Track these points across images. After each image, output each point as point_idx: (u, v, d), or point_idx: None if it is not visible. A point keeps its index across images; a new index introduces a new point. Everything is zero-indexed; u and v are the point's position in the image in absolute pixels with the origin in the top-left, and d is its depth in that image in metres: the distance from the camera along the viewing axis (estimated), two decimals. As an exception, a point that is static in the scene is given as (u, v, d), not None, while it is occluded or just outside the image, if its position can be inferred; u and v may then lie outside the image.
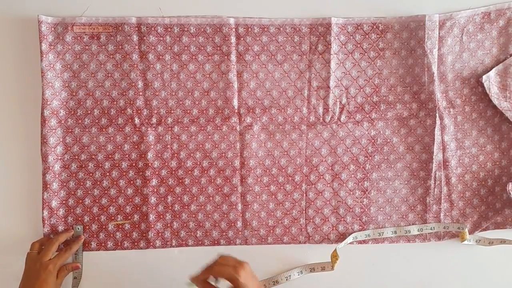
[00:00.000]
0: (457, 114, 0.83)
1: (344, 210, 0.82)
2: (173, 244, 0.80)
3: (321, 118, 0.82)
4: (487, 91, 0.80)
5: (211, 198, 0.80)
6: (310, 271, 0.80)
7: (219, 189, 0.80)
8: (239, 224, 0.81)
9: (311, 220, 0.82)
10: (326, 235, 0.82)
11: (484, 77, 0.81)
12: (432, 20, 0.80)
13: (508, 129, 0.82)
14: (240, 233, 0.81)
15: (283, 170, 0.81)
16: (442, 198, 0.82)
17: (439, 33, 0.81)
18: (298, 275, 0.80)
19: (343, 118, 0.81)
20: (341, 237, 0.82)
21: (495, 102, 0.81)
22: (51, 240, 0.76)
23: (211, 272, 0.62)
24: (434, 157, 0.82)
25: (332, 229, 0.82)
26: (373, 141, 0.82)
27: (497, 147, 0.83)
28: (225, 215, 0.80)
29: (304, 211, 0.81)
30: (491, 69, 0.82)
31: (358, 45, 0.82)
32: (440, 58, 0.82)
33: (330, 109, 0.81)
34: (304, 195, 0.81)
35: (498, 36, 0.82)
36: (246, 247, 0.81)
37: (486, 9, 0.82)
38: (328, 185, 0.81)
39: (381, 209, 0.82)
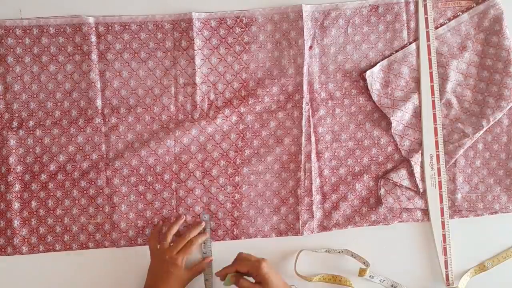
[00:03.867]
0: (336, 106, 0.83)
1: (216, 206, 0.81)
2: (40, 249, 0.79)
3: (189, 115, 0.81)
4: (369, 87, 0.80)
5: (76, 201, 0.79)
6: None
7: (85, 192, 0.79)
8: (107, 226, 0.80)
9: None
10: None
11: (368, 72, 0.81)
12: (295, 11, 0.80)
13: (387, 125, 0.82)
14: (108, 235, 0.80)
15: (152, 169, 0.80)
16: (314, 190, 0.82)
17: (323, 23, 0.81)
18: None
19: (211, 114, 0.80)
20: (213, 233, 0.81)
21: (375, 98, 0.81)
22: (168, 231, 0.76)
23: (236, 267, 0.68)
24: (303, 148, 0.82)
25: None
26: (242, 135, 0.81)
27: (375, 143, 0.83)
28: (92, 218, 0.79)
29: (174, 209, 0.81)
30: (375, 64, 0.82)
31: (223, 40, 0.81)
32: (323, 49, 0.82)
33: (198, 106, 0.81)
34: (174, 193, 0.81)
35: (385, 31, 0.82)
36: (115, 250, 0.80)
37: (375, 2, 0.82)
38: (199, 182, 0.81)
39: (253, 203, 0.82)
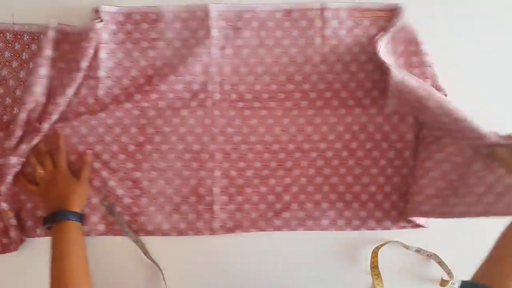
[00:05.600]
0: (246, 108, 0.82)
1: (114, 201, 0.81)
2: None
3: (90, 109, 0.80)
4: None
5: None
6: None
7: None
8: None
9: None
10: (94, 226, 0.80)
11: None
12: (202, 10, 0.81)
13: (296, 131, 0.82)
14: None
15: None
16: (220, 190, 0.81)
17: (237, 24, 0.81)
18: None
19: (111, 107, 0.80)
20: (111, 227, 0.81)
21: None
22: (44, 154, 0.77)
23: None
24: (206, 148, 0.81)
25: (101, 220, 0.80)
26: (143, 130, 0.81)
27: (284, 148, 0.82)
28: None
29: None
30: (285, 69, 0.82)
31: (130, 35, 0.81)
32: (235, 50, 0.82)
33: (100, 100, 0.80)
34: None
35: (298, 37, 0.82)
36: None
37: (289, 7, 0.82)
38: (97, 174, 0.80)
39: (154, 200, 0.81)
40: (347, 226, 0.82)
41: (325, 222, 0.82)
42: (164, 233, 0.81)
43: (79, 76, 0.78)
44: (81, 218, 0.74)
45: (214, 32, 0.80)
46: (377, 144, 0.82)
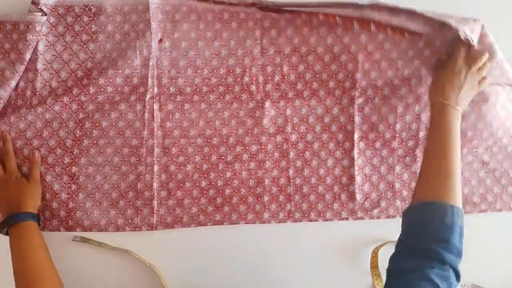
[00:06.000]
0: (185, 102, 0.81)
1: (50, 196, 0.79)
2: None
3: (28, 102, 0.79)
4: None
5: None
6: None
7: None
8: None
9: None
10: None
11: None
12: (142, 3, 0.80)
13: (237, 124, 0.81)
14: None
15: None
16: (158, 185, 0.80)
17: (174, 17, 0.80)
18: None
19: (49, 101, 0.79)
20: (48, 223, 0.79)
21: None
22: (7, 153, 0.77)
23: None
24: (144, 142, 0.80)
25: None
26: (80, 124, 0.80)
27: (224, 141, 0.81)
28: None
29: None
30: (226, 62, 0.81)
31: (70, 28, 0.80)
32: (173, 43, 0.81)
33: (38, 93, 0.79)
34: None
35: (238, 29, 0.81)
36: None
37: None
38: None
39: (90, 195, 0.79)
40: (289, 218, 0.80)
41: (266, 215, 0.80)
42: (101, 229, 0.79)
43: (23, 68, 0.77)
44: (37, 218, 0.74)
45: (153, 25, 0.79)
46: (317, 135, 0.81)
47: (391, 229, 0.80)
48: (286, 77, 0.81)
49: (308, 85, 0.82)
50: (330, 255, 0.82)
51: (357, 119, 0.82)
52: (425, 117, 0.82)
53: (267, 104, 0.81)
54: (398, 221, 0.76)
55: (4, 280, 0.76)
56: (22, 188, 0.75)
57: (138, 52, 0.80)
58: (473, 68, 0.70)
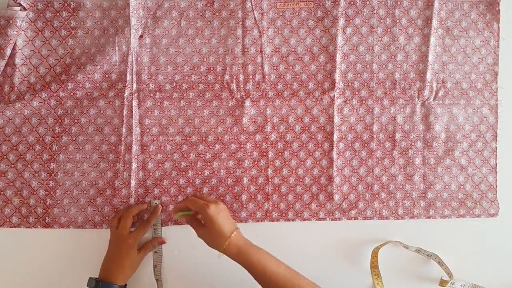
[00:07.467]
0: (164, 99, 0.80)
1: (28, 192, 0.79)
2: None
3: (6, 97, 0.79)
4: None
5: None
6: None
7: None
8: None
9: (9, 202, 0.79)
10: (7, 218, 0.78)
11: None
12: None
13: (217, 123, 0.81)
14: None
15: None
16: (136, 183, 0.80)
17: (155, 13, 0.80)
18: None
19: (27, 96, 0.78)
20: (25, 220, 0.78)
21: None
22: (125, 213, 0.76)
23: (187, 203, 0.67)
24: (123, 139, 0.79)
25: (15, 212, 0.78)
26: (60, 120, 0.79)
27: (203, 139, 0.81)
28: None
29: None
30: (207, 60, 0.81)
31: (49, 23, 0.80)
32: (154, 40, 0.80)
33: (16, 88, 0.79)
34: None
35: (219, 27, 0.81)
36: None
37: None
38: (12, 166, 0.78)
39: (68, 192, 0.79)
40: (266, 217, 0.80)
41: (243, 214, 0.80)
42: (78, 226, 0.79)
43: (3, 64, 0.76)
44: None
45: (133, 21, 0.79)
46: (297, 135, 0.81)
47: (391, 229, 0.81)
48: (266, 77, 0.81)
49: (289, 85, 0.81)
50: (330, 255, 0.81)
51: (336, 120, 0.81)
52: (400, 119, 0.82)
53: (247, 103, 0.81)
54: (398, 221, 0.79)
55: (4, 280, 0.77)
56: (130, 257, 0.74)
57: (117, 48, 0.79)
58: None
